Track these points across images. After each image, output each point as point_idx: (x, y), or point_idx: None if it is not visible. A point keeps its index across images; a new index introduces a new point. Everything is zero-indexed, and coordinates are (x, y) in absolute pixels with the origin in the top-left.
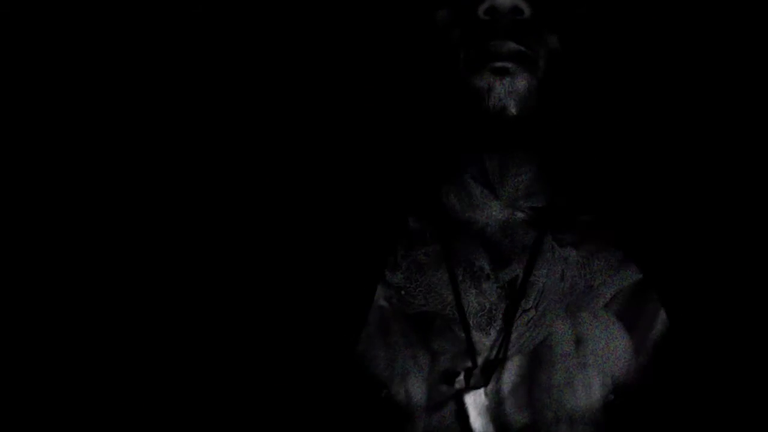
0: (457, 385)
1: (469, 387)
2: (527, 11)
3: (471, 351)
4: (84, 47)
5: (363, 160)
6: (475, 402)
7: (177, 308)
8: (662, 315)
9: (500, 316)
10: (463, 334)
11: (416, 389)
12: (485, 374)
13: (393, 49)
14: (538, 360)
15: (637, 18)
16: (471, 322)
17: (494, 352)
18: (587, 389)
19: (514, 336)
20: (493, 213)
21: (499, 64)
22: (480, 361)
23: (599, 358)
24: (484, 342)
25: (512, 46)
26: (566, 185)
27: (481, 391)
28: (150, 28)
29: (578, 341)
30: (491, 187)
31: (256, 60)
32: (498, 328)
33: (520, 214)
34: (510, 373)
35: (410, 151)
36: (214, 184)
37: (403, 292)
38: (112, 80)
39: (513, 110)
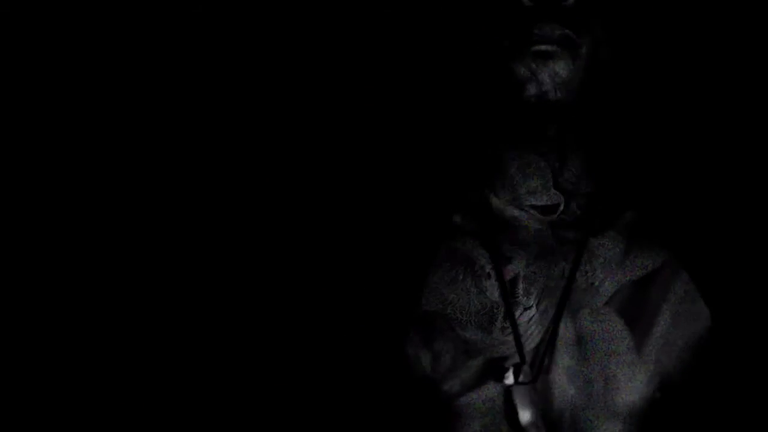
0: (506, 381)
1: (518, 383)
2: None
3: (519, 348)
4: (84, 47)
5: (408, 157)
6: (523, 397)
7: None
8: (706, 312)
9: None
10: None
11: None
12: (533, 370)
13: (435, 45)
14: (583, 356)
15: (687, 7)
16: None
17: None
18: (633, 386)
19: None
20: (536, 212)
21: (542, 47)
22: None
23: (646, 354)
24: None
25: (556, 28)
26: (610, 181)
27: (530, 386)
28: (150, 28)
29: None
30: (535, 184)
31: (282, 58)
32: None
33: (563, 214)
34: (556, 369)
35: (455, 146)
36: (251, 186)
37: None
38: (112, 80)
39: (556, 95)
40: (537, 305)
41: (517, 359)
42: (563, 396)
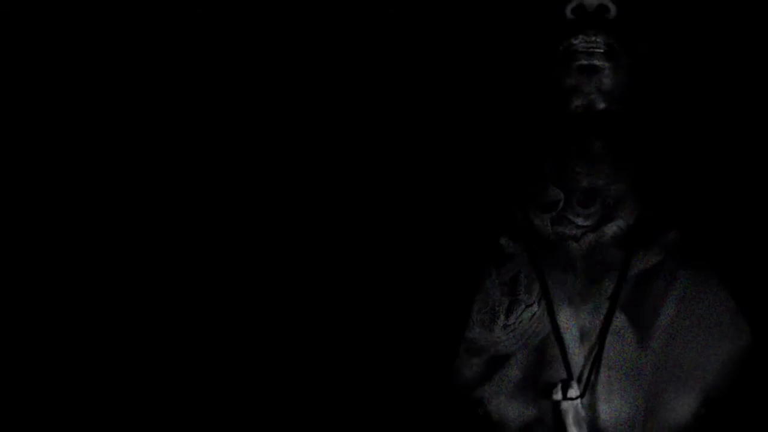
0: (554, 397)
1: (566, 398)
2: (613, 10)
3: (566, 364)
4: (84, 47)
5: (455, 180)
6: (572, 413)
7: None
8: (747, 328)
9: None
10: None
11: (510, 405)
12: (582, 386)
13: (480, 61)
14: (629, 373)
15: (732, 24)
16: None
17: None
18: (678, 402)
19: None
20: (581, 231)
21: (586, 62)
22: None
23: (690, 371)
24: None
25: (599, 40)
26: (655, 199)
27: (578, 402)
28: (150, 28)
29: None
30: (579, 205)
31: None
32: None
33: (608, 232)
34: (603, 385)
35: (501, 167)
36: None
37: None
38: (113, 80)
39: (600, 106)
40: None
41: (563, 375)
42: (612, 413)
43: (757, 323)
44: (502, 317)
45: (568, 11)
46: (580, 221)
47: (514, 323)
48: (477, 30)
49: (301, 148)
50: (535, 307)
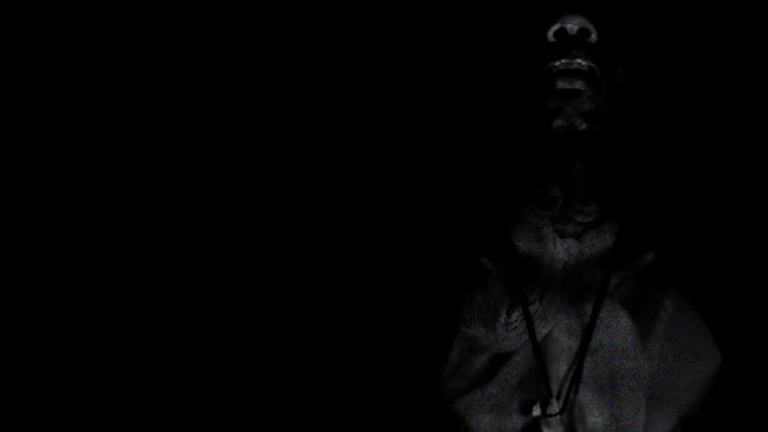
0: (534, 413)
1: (546, 415)
2: (594, 34)
3: (546, 381)
4: (84, 47)
5: (436, 200)
6: (551, 430)
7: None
8: (717, 352)
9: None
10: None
11: (490, 420)
12: (561, 402)
13: (460, 84)
14: (608, 390)
15: (708, 50)
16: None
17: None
18: (656, 420)
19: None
20: (560, 252)
21: (568, 86)
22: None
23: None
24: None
25: (581, 63)
26: (632, 221)
27: (557, 418)
28: (150, 28)
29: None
30: (558, 225)
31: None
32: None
33: (587, 252)
34: (582, 402)
35: (481, 188)
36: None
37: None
38: (113, 80)
39: (581, 128)
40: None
41: (543, 391)
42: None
43: (726, 346)
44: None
45: (550, 35)
46: (559, 242)
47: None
48: (459, 52)
49: (286, 153)
50: (536, 305)
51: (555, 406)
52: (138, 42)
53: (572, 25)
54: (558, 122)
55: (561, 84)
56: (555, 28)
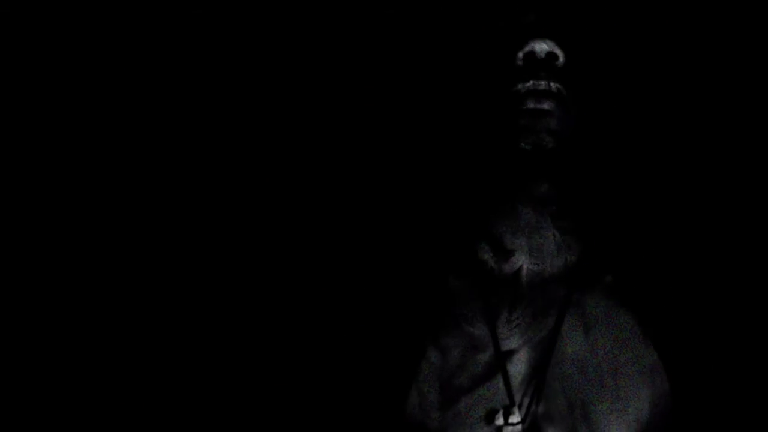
0: (497, 423)
1: (508, 424)
2: (562, 58)
3: (509, 392)
4: (84, 47)
5: (404, 217)
6: None
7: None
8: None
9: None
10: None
11: (432, 420)
12: (523, 412)
13: (429, 104)
14: (568, 402)
15: (675, 71)
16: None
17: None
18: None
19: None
20: (525, 268)
21: (537, 105)
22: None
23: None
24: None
25: (550, 85)
26: (594, 241)
27: (519, 427)
28: (150, 28)
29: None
30: (523, 242)
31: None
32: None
33: (551, 270)
34: (543, 413)
35: (449, 205)
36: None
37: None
38: (113, 80)
39: (548, 146)
40: (507, 314)
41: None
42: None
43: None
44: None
45: (519, 58)
46: (525, 258)
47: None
48: (429, 69)
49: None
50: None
51: (517, 416)
52: (138, 41)
53: (541, 49)
54: (527, 140)
55: (530, 104)
56: (525, 51)
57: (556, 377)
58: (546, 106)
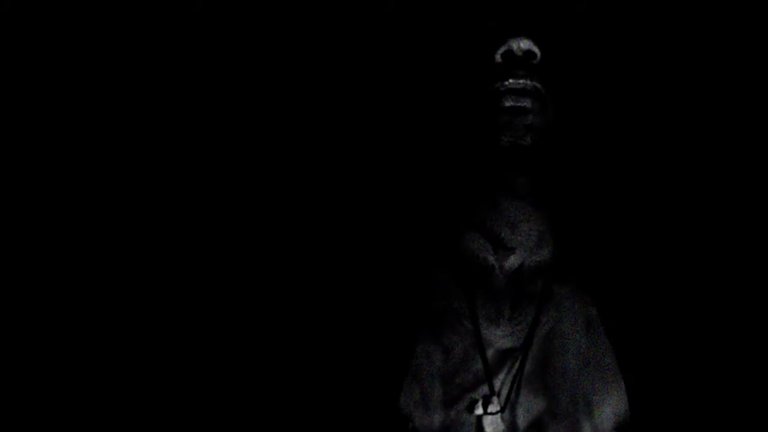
0: (476, 412)
1: (487, 413)
2: (539, 55)
3: (489, 380)
4: (84, 47)
5: (387, 211)
6: (492, 426)
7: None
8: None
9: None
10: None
11: (435, 419)
12: (502, 401)
13: (411, 102)
14: (545, 392)
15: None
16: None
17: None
18: (591, 425)
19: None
20: (505, 261)
21: (516, 103)
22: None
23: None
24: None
25: (528, 83)
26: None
27: (498, 416)
28: (150, 28)
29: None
30: (505, 236)
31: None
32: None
33: (529, 263)
34: (522, 402)
35: (431, 201)
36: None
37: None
38: (113, 80)
39: (528, 141)
40: (488, 307)
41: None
42: (532, 426)
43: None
44: (508, 311)
45: (497, 56)
46: (503, 251)
47: (519, 317)
48: (409, 67)
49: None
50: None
51: (496, 405)
52: (137, 40)
53: (519, 47)
54: (505, 136)
55: (509, 102)
56: (502, 50)
57: (534, 367)
58: (524, 103)
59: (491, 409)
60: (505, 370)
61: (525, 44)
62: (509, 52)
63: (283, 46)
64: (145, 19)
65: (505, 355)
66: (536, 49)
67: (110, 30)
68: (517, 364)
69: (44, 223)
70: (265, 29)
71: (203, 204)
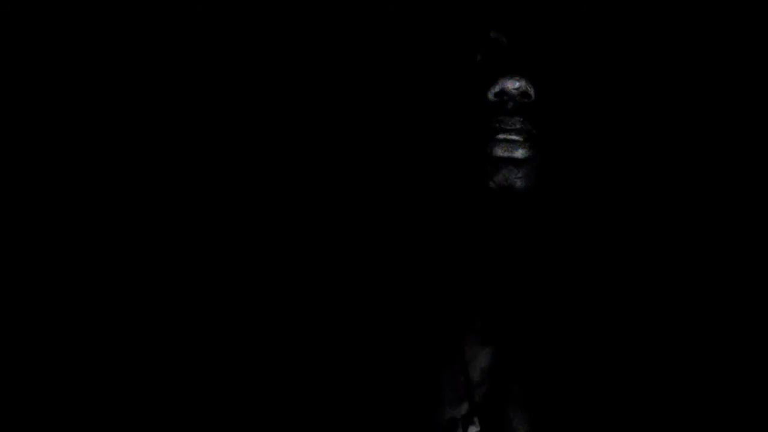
0: None
1: None
2: (534, 95)
3: (471, 401)
4: (84, 47)
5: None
6: None
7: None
8: None
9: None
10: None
11: (483, 376)
12: (482, 421)
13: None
14: (527, 412)
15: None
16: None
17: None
18: None
19: (486, 332)
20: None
21: (508, 136)
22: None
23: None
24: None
25: (520, 123)
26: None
27: None
28: (150, 28)
29: None
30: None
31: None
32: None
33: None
34: (503, 422)
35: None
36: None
37: None
38: (113, 80)
39: (519, 185)
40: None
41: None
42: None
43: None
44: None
45: (490, 95)
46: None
47: (482, 322)
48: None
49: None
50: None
51: (477, 425)
52: (137, 41)
53: (513, 88)
54: (495, 183)
55: (501, 136)
56: (496, 89)
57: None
58: (517, 155)
59: (471, 430)
60: (483, 385)
61: (520, 84)
62: (502, 92)
63: (281, 49)
64: (145, 19)
65: (488, 373)
66: (531, 90)
67: (110, 30)
68: (501, 382)
69: (44, 223)
70: (265, 29)
71: (203, 204)
